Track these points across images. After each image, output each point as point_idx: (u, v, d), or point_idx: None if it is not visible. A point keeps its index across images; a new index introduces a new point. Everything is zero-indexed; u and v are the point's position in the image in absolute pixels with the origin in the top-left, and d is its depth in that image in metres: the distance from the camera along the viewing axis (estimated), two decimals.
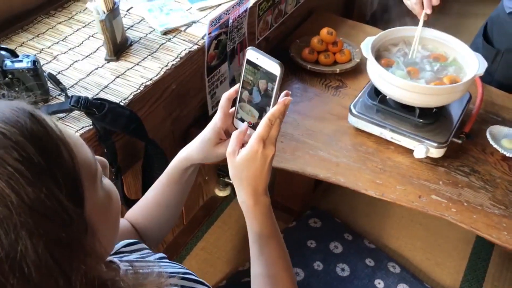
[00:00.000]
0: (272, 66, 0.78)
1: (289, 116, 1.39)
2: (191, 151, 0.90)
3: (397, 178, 1.23)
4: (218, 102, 1.40)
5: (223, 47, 1.31)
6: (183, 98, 1.23)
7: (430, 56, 1.35)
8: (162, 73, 1.13)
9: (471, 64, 1.27)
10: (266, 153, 0.78)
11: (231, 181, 1.55)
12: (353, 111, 1.32)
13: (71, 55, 1.17)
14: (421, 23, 1.33)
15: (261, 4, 1.42)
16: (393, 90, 1.24)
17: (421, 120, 1.27)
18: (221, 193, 1.68)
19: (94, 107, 0.97)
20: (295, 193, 1.64)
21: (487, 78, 1.60)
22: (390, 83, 1.23)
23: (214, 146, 0.88)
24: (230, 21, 1.28)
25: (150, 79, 1.11)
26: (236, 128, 0.85)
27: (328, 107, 1.43)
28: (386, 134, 1.29)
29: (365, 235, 1.59)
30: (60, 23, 1.28)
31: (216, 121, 0.87)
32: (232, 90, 0.86)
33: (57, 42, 1.21)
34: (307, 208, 1.61)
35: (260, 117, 0.82)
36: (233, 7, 1.26)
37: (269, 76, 0.79)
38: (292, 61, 1.55)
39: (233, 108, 0.88)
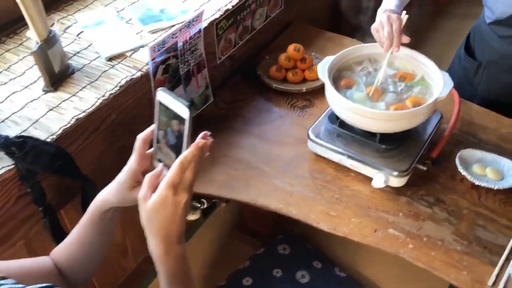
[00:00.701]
0: (181, 108, 0.73)
1: (247, 140, 1.32)
2: (107, 194, 0.85)
3: (354, 209, 1.14)
4: None
5: (175, 70, 1.25)
6: (128, 127, 1.18)
7: (395, 76, 1.26)
8: (98, 104, 1.08)
9: (438, 84, 1.17)
10: (177, 199, 0.73)
11: (199, 205, 1.51)
12: (311, 136, 1.24)
13: (11, 86, 1.14)
14: (387, 58, 1.20)
15: (219, 23, 1.36)
16: (348, 115, 1.16)
17: (383, 146, 1.19)
18: (190, 216, 1.63)
19: (15, 146, 0.93)
20: (264, 216, 1.57)
21: (471, 92, 1.49)
22: (344, 107, 1.15)
23: (130, 189, 0.83)
24: (180, 44, 1.22)
25: (84, 111, 1.07)
26: None
27: (290, 130, 1.35)
28: (345, 161, 1.21)
29: (337, 262, 1.51)
30: (8, 50, 1.25)
31: (131, 163, 0.82)
32: (147, 130, 0.82)
33: (0, 72, 1.18)
34: (279, 233, 1.54)
35: None
36: (180, 30, 1.20)
37: (180, 118, 0.74)
38: (259, 80, 1.48)
39: (152, 149, 0.83)
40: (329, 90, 1.17)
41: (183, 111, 0.73)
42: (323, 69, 1.21)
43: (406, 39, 1.17)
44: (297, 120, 1.38)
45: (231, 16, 1.40)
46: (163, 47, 1.17)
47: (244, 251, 1.55)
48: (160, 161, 0.80)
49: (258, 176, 1.23)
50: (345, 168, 1.22)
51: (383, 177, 1.14)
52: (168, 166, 0.76)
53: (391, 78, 1.25)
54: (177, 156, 0.76)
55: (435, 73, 1.20)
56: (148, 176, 0.76)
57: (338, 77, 1.25)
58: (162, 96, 0.75)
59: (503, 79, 1.39)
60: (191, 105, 0.74)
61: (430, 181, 1.20)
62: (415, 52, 1.25)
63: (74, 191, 1.11)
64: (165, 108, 0.76)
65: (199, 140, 0.75)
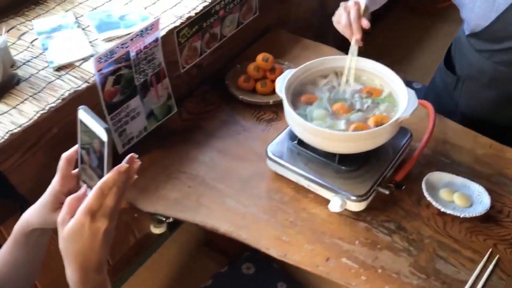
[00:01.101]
0: (100, 130, 0.68)
1: (207, 155, 1.26)
2: (30, 215, 0.81)
3: (307, 234, 1.07)
4: (132, 138, 1.31)
5: (128, 81, 1.19)
6: (73, 141, 1.12)
7: (362, 90, 1.18)
8: (36, 117, 1.03)
9: (403, 102, 1.09)
10: (96, 226, 0.68)
11: (164, 218, 1.45)
12: (269, 153, 1.17)
13: None
14: (352, 49, 1.15)
15: (180, 31, 1.30)
16: (304, 135, 1.09)
17: (342, 167, 1.11)
18: (156, 230, 1.57)
19: None
20: None
21: (451, 107, 1.40)
22: (300, 126, 1.08)
23: (52, 211, 0.79)
24: (133, 54, 1.16)
25: (20, 126, 1.01)
26: None
27: (253, 145, 1.28)
28: (303, 182, 1.14)
29: (305, 283, 1.43)
30: None
31: (54, 184, 0.78)
32: (71, 150, 0.78)
33: None
34: (246, 250, 1.47)
35: None
36: (132, 40, 1.13)
37: (100, 140, 0.69)
38: (227, 90, 1.41)
39: (77, 170, 0.78)
40: (286, 107, 1.09)
41: (102, 133, 0.68)
42: (281, 83, 1.13)
43: (365, 23, 1.10)
44: (261, 135, 1.31)
45: (194, 24, 1.33)
46: (111, 58, 1.11)
47: (210, 268, 1.49)
48: (84, 182, 0.75)
49: (212, 194, 1.16)
50: (305, 188, 1.15)
51: (339, 201, 1.07)
52: (92, 188, 0.71)
53: (358, 93, 1.17)
54: (100, 179, 0.70)
55: (401, 90, 1.12)
56: (68, 199, 0.71)
57: (300, 91, 1.18)
58: (83, 115, 0.70)
59: (483, 95, 1.30)
60: (110, 130, 0.68)
61: (394, 205, 1.12)
62: (382, 66, 1.17)
63: (15, 207, 1.06)
64: (86, 128, 0.71)
65: (123, 164, 0.70)
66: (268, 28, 1.66)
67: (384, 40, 2.53)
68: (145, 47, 1.19)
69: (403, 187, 1.12)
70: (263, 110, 1.38)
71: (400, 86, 1.12)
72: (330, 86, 1.19)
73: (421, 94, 1.51)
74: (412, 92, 1.10)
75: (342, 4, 1.15)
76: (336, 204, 1.07)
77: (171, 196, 1.17)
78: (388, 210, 1.11)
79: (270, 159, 1.17)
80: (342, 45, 1.29)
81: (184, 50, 1.35)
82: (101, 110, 1.15)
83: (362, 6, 1.13)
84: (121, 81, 1.17)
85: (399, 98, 1.12)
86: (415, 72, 2.31)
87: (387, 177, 1.13)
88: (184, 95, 1.41)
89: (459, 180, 1.13)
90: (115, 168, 0.69)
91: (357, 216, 1.10)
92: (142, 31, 1.15)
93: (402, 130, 1.16)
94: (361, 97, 1.16)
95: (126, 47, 1.14)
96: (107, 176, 0.68)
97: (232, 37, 1.51)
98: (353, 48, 1.15)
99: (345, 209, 1.09)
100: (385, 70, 1.17)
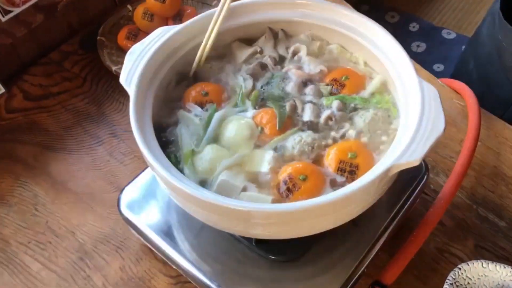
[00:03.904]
0: None
1: (30, 188, 0.65)
2: None
3: None
4: None
5: None
6: None
7: (323, 76, 0.54)
8: None
9: (407, 115, 0.46)
10: None
11: None
12: (123, 208, 0.56)
13: None
14: None
15: None
16: (177, 199, 0.47)
17: (271, 256, 0.50)
18: None
19: None
20: None
21: (508, 92, 0.76)
22: (164, 181, 0.46)
23: None
24: None
25: None
26: None
27: (118, 171, 0.67)
28: (190, 272, 0.53)
29: None
30: None
31: None
32: None
33: None
34: None
35: None
36: None
37: None
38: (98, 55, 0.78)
39: None
40: (132, 114, 0.47)
41: None
42: (136, 56, 0.50)
43: None
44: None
45: None
46: None
47: None
48: None
49: (16, 273, 0.57)
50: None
51: None
52: None
53: (313, 83, 0.53)
54: None
55: (408, 80, 0.48)
56: None
57: (188, 76, 0.55)
58: None
59: None
60: None
61: None
62: (369, 20, 0.52)
63: None
64: None
65: None
66: None
67: None
68: None
69: None
70: None
71: (408, 73, 0.48)
72: (256, 64, 0.55)
73: (454, 52, 0.86)
74: (432, 90, 0.46)
75: None
76: None
77: None
78: None
79: (126, 219, 0.56)
80: None
81: None
82: None
83: None
84: None
85: (402, 101, 0.48)
86: (447, 12, 1.50)
87: (366, 273, 0.52)
88: (19, 66, 0.79)
89: None
90: None
91: None
92: None
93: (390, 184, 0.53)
94: (318, 93, 0.53)
95: None
96: None
97: None
98: None
99: None
100: (376, 29, 0.52)
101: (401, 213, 0.55)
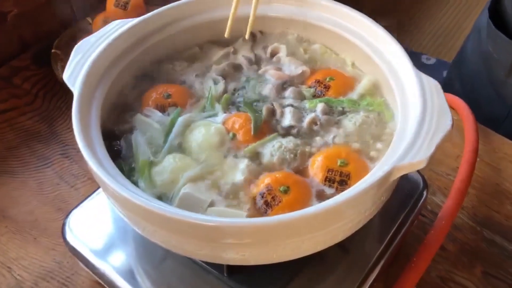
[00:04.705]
0: None
1: None
2: None
3: None
4: None
5: None
6: None
7: (305, 78, 0.47)
8: None
9: (407, 114, 0.38)
10: None
11: None
12: (69, 237, 0.47)
13: None
14: None
15: None
16: (125, 213, 0.38)
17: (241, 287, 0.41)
18: None
19: None
20: None
21: (499, 105, 0.71)
22: (111, 194, 0.37)
23: None
24: None
25: None
26: None
27: (68, 195, 0.58)
28: None
29: None
30: None
31: None
32: None
33: None
34: None
35: None
36: None
37: None
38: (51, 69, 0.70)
39: None
40: (75, 129, 0.38)
41: None
42: (79, 58, 0.42)
43: None
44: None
45: None
46: None
47: None
48: None
49: None
50: None
51: None
52: None
53: (293, 85, 0.46)
54: None
55: (405, 76, 0.41)
56: None
57: (151, 77, 0.47)
58: None
59: None
60: None
61: None
62: (359, 15, 0.46)
63: None
64: None
65: None
66: None
67: None
68: None
69: None
70: None
71: (403, 66, 0.41)
72: (227, 63, 0.48)
73: (435, 77, 0.80)
74: (433, 82, 0.39)
75: None
76: None
77: None
78: None
79: (73, 249, 0.47)
80: None
81: None
82: None
83: None
84: None
85: (400, 101, 0.41)
86: (424, 38, 1.44)
87: None
88: None
89: None
90: None
91: None
92: None
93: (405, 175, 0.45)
94: (299, 96, 0.45)
95: None
96: None
97: None
98: None
99: None
100: (366, 24, 0.45)
101: (398, 237, 0.47)
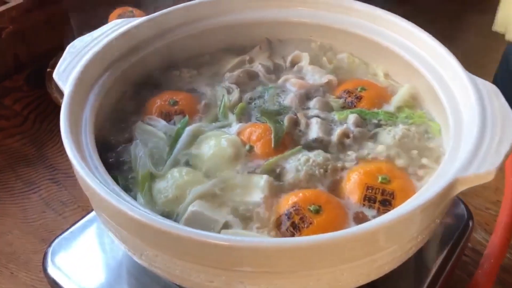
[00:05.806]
0: None
1: None
2: None
3: None
4: None
5: None
6: None
7: (331, 88, 0.41)
8: None
9: (467, 114, 0.32)
10: None
11: None
12: (51, 272, 0.39)
13: None
14: None
15: None
16: (122, 238, 0.31)
17: None
18: None
19: None
20: None
21: None
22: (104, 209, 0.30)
23: None
24: None
25: None
26: None
27: (51, 223, 0.51)
28: None
29: None
30: None
31: None
32: None
33: None
34: None
35: None
36: None
37: None
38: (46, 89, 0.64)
39: None
40: (63, 132, 0.31)
41: None
42: (74, 56, 0.36)
43: None
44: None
45: None
46: None
47: None
48: None
49: None
50: None
51: None
52: None
53: (319, 95, 0.40)
54: None
55: (456, 84, 0.35)
56: None
57: (157, 83, 0.41)
58: None
59: None
60: None
61: None
62: (398, 18, 0.40)
63: None
64: None
65: None
66: None
67: None
68: None
69: None
70: None
71: (452, 71, 0.35)
72: (242, 71, 0.42)
73: None
74: (490, 86, 0.33)
75: None
76: None
77: None
78: None
79: (54, 284, 0.39)
80: None
81: None
82: None
83: None
84: None
85: (449, 109, 0.35)
86: None
87: None
88: None
89: None
90: None
91: None
92: None
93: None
94: (326, 107, 0.39)
95: None
96: None
97: None
98: None
99: None
100: (405, 28, 0.40)
101: (441, 278, 0.40)
